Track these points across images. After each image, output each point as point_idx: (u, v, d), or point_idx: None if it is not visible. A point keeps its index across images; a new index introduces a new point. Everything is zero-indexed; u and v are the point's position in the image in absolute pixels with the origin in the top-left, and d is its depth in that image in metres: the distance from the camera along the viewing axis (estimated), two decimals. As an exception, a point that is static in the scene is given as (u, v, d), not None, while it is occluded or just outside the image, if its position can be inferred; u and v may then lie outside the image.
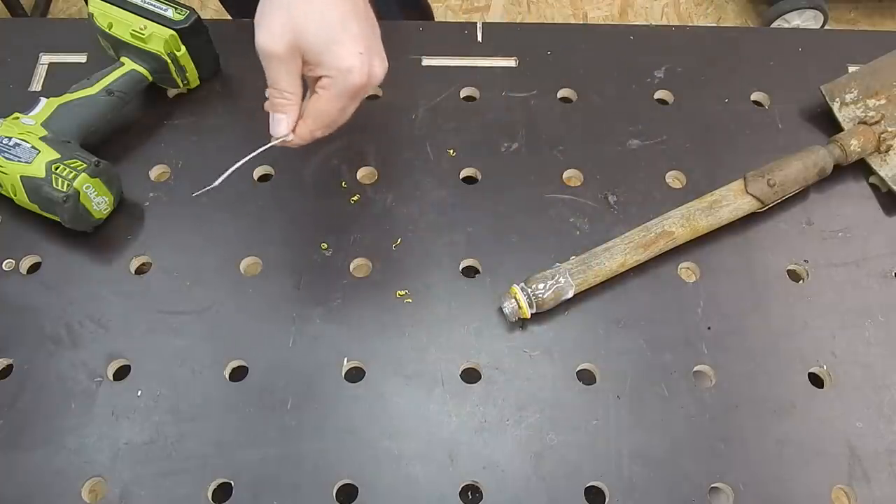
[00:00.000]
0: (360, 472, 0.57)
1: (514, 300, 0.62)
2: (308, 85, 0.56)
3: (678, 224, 0.65)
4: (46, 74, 0.79)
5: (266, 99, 0.55)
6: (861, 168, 0.72)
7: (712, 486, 0.57)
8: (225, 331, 0.63)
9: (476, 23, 0.83)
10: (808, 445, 0.59)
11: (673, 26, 0.83)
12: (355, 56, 0.51)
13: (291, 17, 0.50)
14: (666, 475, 0.57)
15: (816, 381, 0.62)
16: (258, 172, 0.72)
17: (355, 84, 0.52)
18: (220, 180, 0.56)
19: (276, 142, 0.55)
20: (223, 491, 0.57)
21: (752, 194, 0.67)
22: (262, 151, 0.56)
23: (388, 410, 0.60)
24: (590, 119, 0.76)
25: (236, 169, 0.55)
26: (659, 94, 0.78)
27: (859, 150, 0.70)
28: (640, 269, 0.66)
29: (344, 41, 0.51)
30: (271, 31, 0.51)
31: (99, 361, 0.62)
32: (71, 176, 0.63)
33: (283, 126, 0.54)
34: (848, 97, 0.74)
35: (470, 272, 0.67)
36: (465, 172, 0.73)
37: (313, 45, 0.51)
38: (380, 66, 0.54)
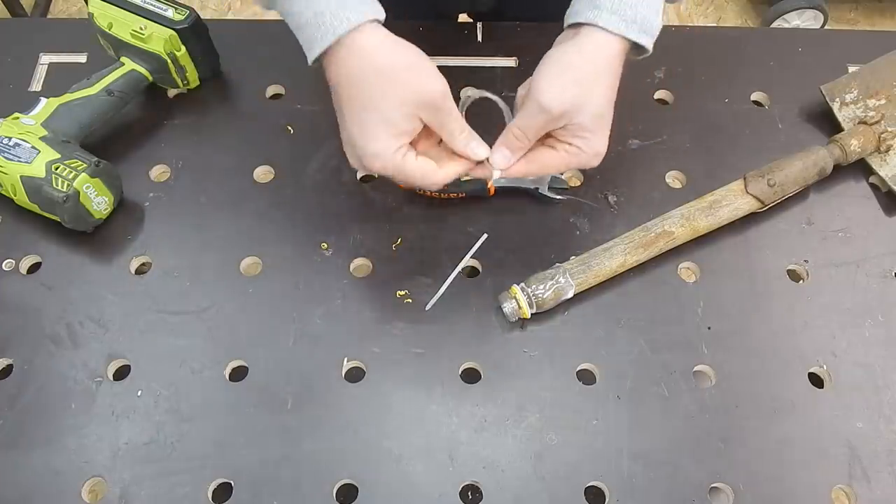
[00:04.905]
0: (360, 472, 0.57)
1: (514, 300, 0.62)
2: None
3: (678, 224, 0.65)
4: (46, 74, 0.79)
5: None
6: (861, 168, 0.72)
7: (712, 486, 0.57)
8: (225, 331, 0.63)
9: (476, 23, 0.83)
10: (808, 445, 0.59)
11: (673, 26, 0.83)
12: (606, 144, 0.57)
13: (581, 94, 0.53)
14: (666, 475, 0.57)
15: (816, 381, 0.62)
16: (258, 172, 0.72)
17: (592, 166, 0.58)
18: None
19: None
20: (223, 491, 0.57)
21: (752, 194, 0.67)
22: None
23: (388, 410, 0.60)
24: (590, 119, 0.75)
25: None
26: (659, 94, 0.78)
27: (859, 150, 0.70)
28: (640, 270, 0.66)
29: (606, 127, 0.56)
30: (561, 97, 0.53)
31: (99, 361, 0.62)
32: (71, 176, 0.63)
33: (506, 161, 0.57)
34: (848, 97, 0.74)
35: (470, 272, 0.67)
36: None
37: (586, 125, 0.55)
38: None
